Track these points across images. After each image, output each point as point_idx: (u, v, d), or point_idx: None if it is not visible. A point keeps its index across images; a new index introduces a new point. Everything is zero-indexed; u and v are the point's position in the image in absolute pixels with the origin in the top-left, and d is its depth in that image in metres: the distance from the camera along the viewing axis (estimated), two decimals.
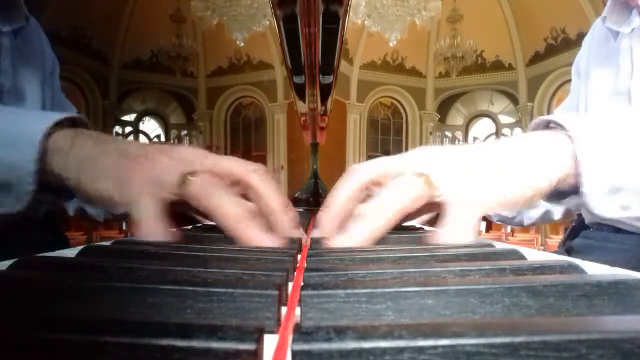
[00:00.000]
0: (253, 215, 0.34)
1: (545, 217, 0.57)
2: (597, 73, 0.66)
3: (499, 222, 0.71)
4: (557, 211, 0.71)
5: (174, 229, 0.36)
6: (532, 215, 0.74)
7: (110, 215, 0.74)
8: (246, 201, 0.36)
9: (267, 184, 0.37)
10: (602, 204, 0.36)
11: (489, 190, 0.36)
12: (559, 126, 0.38)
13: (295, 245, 0.32)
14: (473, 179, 0.36)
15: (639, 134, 0.36)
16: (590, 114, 0.40)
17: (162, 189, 0.34)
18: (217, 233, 0.36)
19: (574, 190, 0.37)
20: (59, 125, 0.36)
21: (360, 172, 0.38)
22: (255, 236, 0.32)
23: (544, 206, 0.42)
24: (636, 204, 0.35)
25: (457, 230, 0.35)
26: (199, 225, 0.59)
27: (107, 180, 0.34)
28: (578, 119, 0.37)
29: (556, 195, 0.40)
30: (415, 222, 0.72)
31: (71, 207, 0.71)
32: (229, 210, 0.33)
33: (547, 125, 0.41)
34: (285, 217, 0.36)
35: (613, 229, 0.64)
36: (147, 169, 0.34)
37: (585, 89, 0.69)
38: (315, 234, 0.38)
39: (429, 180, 0.35)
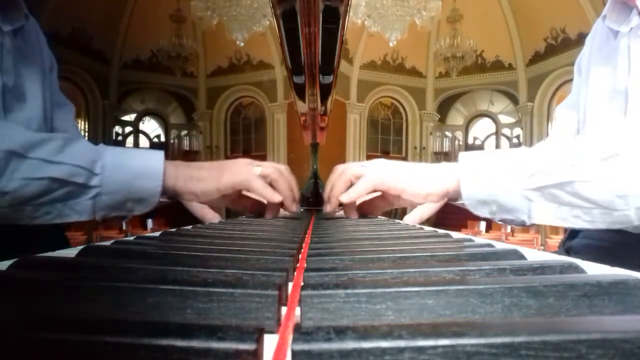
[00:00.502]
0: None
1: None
2: (597, 71, 0.66)
3: (500, 222, 0.75)
4: None
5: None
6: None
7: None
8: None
9: (291, 176, 0.66)
10: (477, 209, 0.55)
11: (390, 176, 0.61)
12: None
13: (295, 245, 0.32)
14: (386, 171, 0.62)
15: (502, 167, 0.53)
16: (484, 152, 0.58)
17: (243, 183, 0.61)
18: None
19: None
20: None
21: (339, 168, 0.67)
22: (292, 204, 0.66)
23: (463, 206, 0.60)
24: (500, 212, 0.54)
25: (347, 193, 0.63)
26: (199, 225, 0.59)
27: (210, 181, 0.59)
28: (471, 156, 0.57)
29: (455, 201, 0.61)
30: (414, 222, 0.73)
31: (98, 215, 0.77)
32: (283, 183, 0.64)
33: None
34: (297, 192, 0.68)
35: (613, 229, 0.64)
36: (231, 171, 0.61)
37: (585, 89, 0.69)
38: (328, 208, 0.67)
39: (372, 179, 0.62)
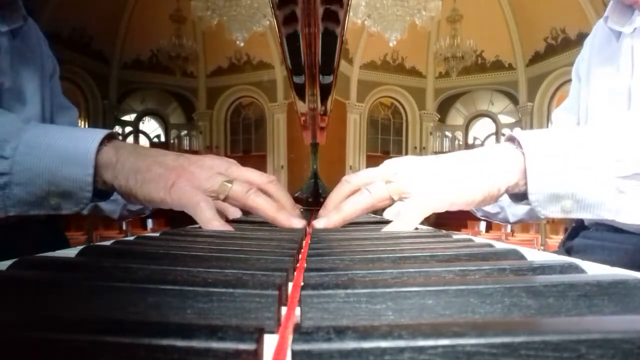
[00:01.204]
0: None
1: (532, 214, 0.58)
2: (598, 72, 0.66)
3: (483, 218, 0.74)
4: None
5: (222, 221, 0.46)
6: (517, 212, 0.74)
7: (127, 211, 0.75)
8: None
9: (281, 190, 0.50)
10: (545, 208, 0.44)
11: (440, 192, 0.46)
12: (518, 142, 0.46)
13: (295, 245, 0.32)
14: (427, 182, 0.47)
15: (578, 151, 0.43)
16: (545, 131, 0.47)
17: (208, 194, 0.45)
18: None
19: (525, 193, 0.45)
20: (101, 142, 0.45)
21: (349, 182, 0.51)
22: (289, 220, 0.46)
23: (526, 204, 0.47)
24: (576, 209, 0.43)
25: (403, 221, 0.46)
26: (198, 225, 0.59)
27: (157, 188, 0.44)
28: (533, 137, 0.45)
29: (514, 197, 0.49)
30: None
31: (107, 204, 0.74)
32: (266, 206, 0.46)
33: (512, 139, 0.48)
34: (295, 212, 0.50)
35: (613, 229, 0.64)
36: (189, 177, 0.45)
37: (586, 90, 0.69)
38: (318, 223, 0.49)
39: (395, 186, 0.47)
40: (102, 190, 0.46)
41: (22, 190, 0.42)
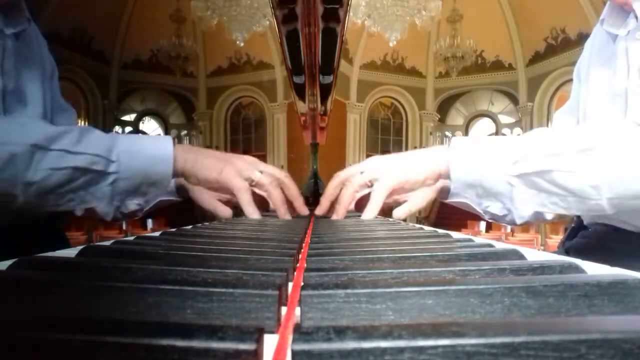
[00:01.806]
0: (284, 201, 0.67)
1: (538, 216, 0.60)
2: (596, 74, 0.67)
3: (491, 220, 0.77)
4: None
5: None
6: (523, 215, 0.75)
7: (120, 214, 0.76)
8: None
9: (293, 183, 0.69)
10: (464, 192, 0.60)
11: (395, 174, 0.64)
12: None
13: (295, 245, 0.32)
14: (387, 170, 0.64)
15: (489, 151, 0.57)
16: (477, 138, 0.64)
17: (245, 178, 0.63)
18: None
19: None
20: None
21: (338, 176, 0.69)
22: (286, 213, 0.66)
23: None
24: (485, 196, 0.59)
25: (373, 201, 0.64)
26: (199, 224, 0.60)
27: (212, 170, 0.62)
28: (462, 140, 0.61)
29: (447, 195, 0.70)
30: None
31: (79, 209, 0.74)
32: (277, 196, 0.65)
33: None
34: (300, 200, 0.70)
35: (612, 228, 0.64)
36: (235, 166, 0.63)
37: (585, 92, 0.70)
38: (318, 210, 0.70)
39: (368, 174, 0.65)
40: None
41: (125, 184, 0.57)
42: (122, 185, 0.57)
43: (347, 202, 0.66)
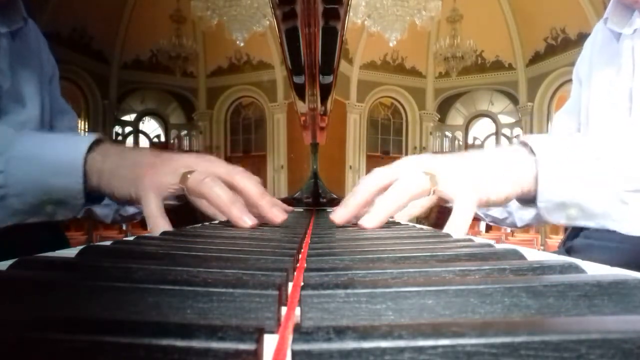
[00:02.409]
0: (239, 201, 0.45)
1: (539, 218, 0.58)
2: (599, 74, 0.66)
3: (491, 223, 0.75)
4: None
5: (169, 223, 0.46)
6: (524, 217, 0.74)
7: (119, 216, 0.75)
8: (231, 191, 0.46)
9: (247, 180, 0.48)
10: (551, 214, 0.47)
11: (479, 190, 0.47)
12: (531, 149, 0.47)
13: (295, 245, 0.32)
14: (467, 180, 0.47)
15: (588, 162, 0.45)
16: (557, 139, 0.49)
17: (164, 188, 0.46)
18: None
19: (532, 200, 0.47)
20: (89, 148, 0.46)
21: (385, 174, 0.49)
22: (241, 215, 0.44)
23: (533, 209, 0.50)
24: (581, 217, 0.46)
25: (457, 226, 0.46)
26: (199, 224, 0.59)
27: (127, 185, 0.46)
28: (545, 144, 0.47)
29: (524, 202, 0.51)
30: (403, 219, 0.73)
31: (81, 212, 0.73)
32: (221, 194, 0.44)
33: (524, 144, 0.49)
34: (264, 201, 0.47)
35: None
36: (152, 174, 0.46)
37: (587, 93, 0.69)
38: (341, 212, 0.49)
39: (434, 177, 0.47)
40: (96, 195, 0.48)
41: (18, 201, 0.43)
42: (15, 204, 0.43)
43: (394, 208, 0.46)
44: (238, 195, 0.47)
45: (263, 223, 0.52)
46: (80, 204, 0.46)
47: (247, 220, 0.44)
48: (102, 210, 0.73)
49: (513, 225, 0.76)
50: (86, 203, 0.46)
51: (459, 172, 0.48)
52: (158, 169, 0.46)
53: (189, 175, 0.45)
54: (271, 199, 0.49)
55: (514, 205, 0.55)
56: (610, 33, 0.64)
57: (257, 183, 0.48)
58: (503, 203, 0.49)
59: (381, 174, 0.49)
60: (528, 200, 0.49)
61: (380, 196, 0.47)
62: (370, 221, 0.46)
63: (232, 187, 0.47)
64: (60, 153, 0.44)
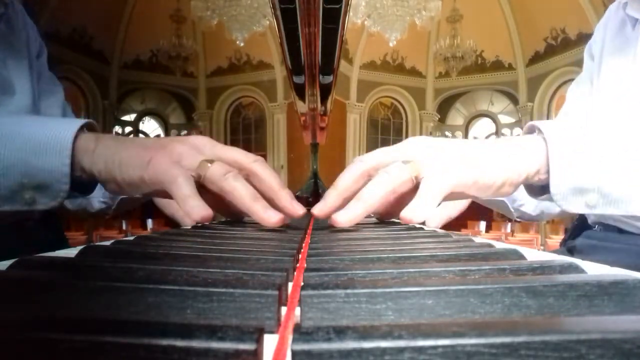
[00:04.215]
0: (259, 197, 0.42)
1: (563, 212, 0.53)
2: (611, 60, 0.65)
3: (518, 220, 0.72)
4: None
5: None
6: (552, 211, 0.72)
7: (86, 214, 0.70)
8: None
9: (267, 170, 0.45)
10: (567, 201, 0.41)
11: (462, 173, 0.42)
12: (540, 131, 0.43)
13: (295, 245, 0.32)
14: (449, 164, 0.43)
15: (607, 143, 0.40)
16: (567, 120, 0.46)
17: (186, 171, 0.41)
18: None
19: (546, 186, 0.42)
20: (80, 129, 0.41)
21: (362, 162, 0.45)
22: (266, 212, 0.40)
23: (545, 199, 0.45)
24: (601, 204, 0.40)
25: (422, 199, 0.41)
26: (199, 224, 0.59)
27: (134, 166, 0.40)
28: (556, 125, 0.42)
29: (531, 190, 0.47)
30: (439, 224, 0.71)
31: (70, 203, 0.69)
32: (242, 191, 0.41)
33: (533, 129, 0.46)
34: (284, 192, 0.44)
35: (616, 229, 0.64)
36: (168, 154, 0.41)
37: (597, 76, 0.68)
38: (320, 205, 0.44)
39: (415, 165, 0.42)
40: (83, 182, 0.42)
41: None
42: None
43: (375, 201, 0.41)
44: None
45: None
46: (65, 189, 0.40)
47: (272, 216, 0.40)
48: (98, 204, 0.70)
49: (547, 218, 0.74)
50: (72, 192, 0.41)
51: (439, 155, 0.43)
52: (175, 149, 0.42)
53: (209, 165, 0.41)
54: (290, 193, 0.45)
55: (544, 203, 0.52)
56: (623, 18, 0.63)
57: (275, 174, 0.45)
58: (500, 190, 0.43)
59: (361, 163, 0.45)
60: (537, 188, 0.45)
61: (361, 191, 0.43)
62: (344, 217, 0.41)
63: (249, 175, 0.44)
64: (45, 129, 0.39)
